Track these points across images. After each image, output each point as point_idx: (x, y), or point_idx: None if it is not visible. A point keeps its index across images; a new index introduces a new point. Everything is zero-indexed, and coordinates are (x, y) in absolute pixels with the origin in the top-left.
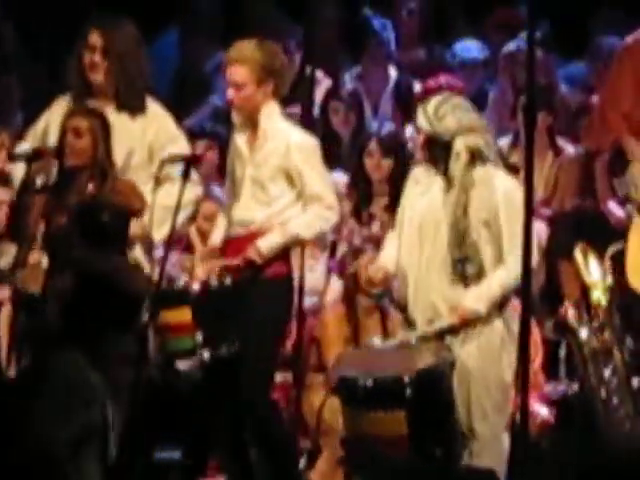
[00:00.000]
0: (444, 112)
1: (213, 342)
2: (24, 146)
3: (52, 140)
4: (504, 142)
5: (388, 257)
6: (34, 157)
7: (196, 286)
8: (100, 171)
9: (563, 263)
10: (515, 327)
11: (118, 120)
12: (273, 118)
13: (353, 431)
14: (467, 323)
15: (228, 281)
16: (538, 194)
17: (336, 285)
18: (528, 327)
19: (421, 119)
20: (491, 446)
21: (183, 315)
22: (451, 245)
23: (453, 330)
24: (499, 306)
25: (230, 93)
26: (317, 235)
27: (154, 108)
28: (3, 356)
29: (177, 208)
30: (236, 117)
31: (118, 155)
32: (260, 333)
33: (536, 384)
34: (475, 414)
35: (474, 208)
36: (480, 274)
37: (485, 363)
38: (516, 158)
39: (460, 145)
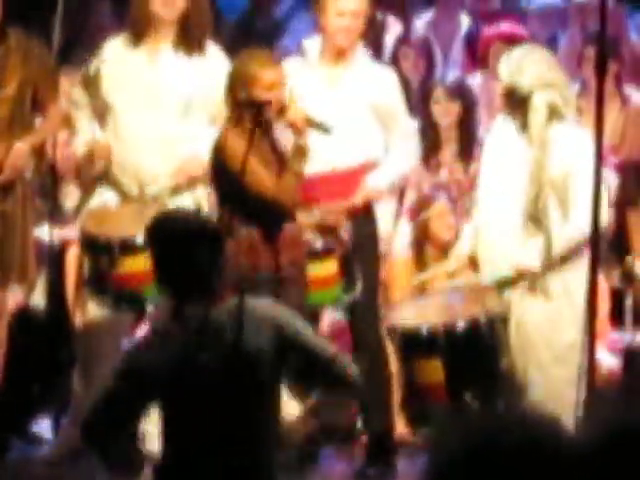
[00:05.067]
0: (526, 65)
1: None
2: (83, 101)
3: (107, 87)
4: (572, 90)
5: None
6: None
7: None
8: None
9: (631, 213)
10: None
11: (177, 59)
12: (362, 52)
13: (403, 377)
14: (523, 277)
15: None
16: (605, 142)
17: (404, 231)
18: (596, 276)
19: (503, 69)
20: (550, 399)
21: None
22: (527, 201)
23: (509, 284)
24: (563, 260)
25: (345, 22)
26: (412, 168)
27: (212, 49)
28: (70, 298)
29: (247, 151)
30: (317, 47)
31: (179, 94)
32: (372, 269)
33: (602, 333)
34: (532, 369)
35: (549, 166)
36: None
37: (541, 317)
38: (583, 106)
39: (539, 101)
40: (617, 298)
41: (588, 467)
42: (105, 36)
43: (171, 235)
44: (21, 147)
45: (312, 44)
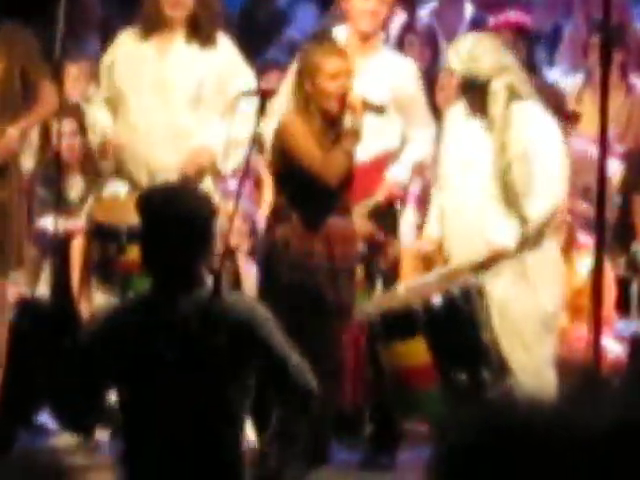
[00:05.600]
0: (479, 53)
1: None
2: (98, 93)
3: (119, 79)
4: (577, 79)
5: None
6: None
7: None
8: None
9: (637, 200)
10: (555, 255)
11: (187, 51)
12: (385, 46)
13: (387, 366)
14: (497, 258)
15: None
16: (610, 131)
17: (410, 219)
18: (602, 264)
19: (455, 61)
20: (534, 378)
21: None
22: (493, 182)
23: (484, 266)
24: (533, 239)
25: (365, 23)
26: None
27: (223, 40)
28: (75, 288)
29: (252, 141)
30: (348, 34)
31: (189, 86)
32: None
33: (608, 321)
34: (515, 345)
35: (513, 146)
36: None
37: (521, 294)
38: (589, 95)
39: (497, 85)
40: (623, 286)
41: (593, 454)
42: (99, 28)
43: (159, 212)
44: (12, 132)
45: (340, 32)
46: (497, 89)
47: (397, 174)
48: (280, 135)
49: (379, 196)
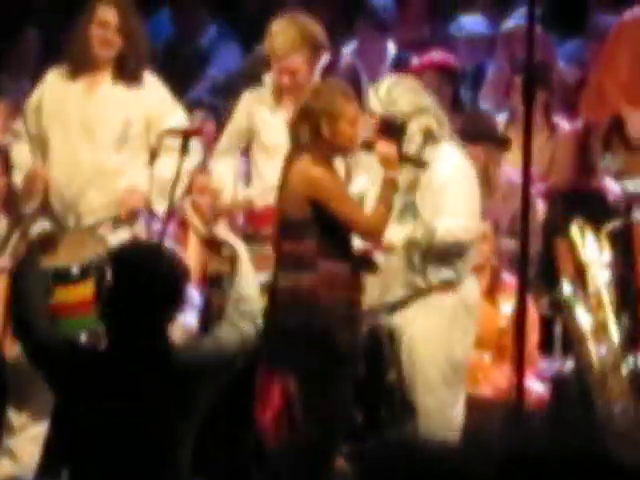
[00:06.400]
0: (397, 94)
1: None
2: (17, 124)
3: (46, 118)
4: (501, 119)
5: None
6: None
7: None
8: None
9: (559, 240)
10: (472, 301)
11: (114, 91)
12: None
13: None
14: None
15: None
16: (533, 170)
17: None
18: (524, 304)
19: (374, 102)
20: (436, 420)
21: None
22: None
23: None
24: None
25: (286, 79)
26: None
27: (150, 79)
28: (0, 329)
29: (176, 181)
30: (274, 92)
31: (115, 126)
32: None
33: (532, 360)
34: (419, 386)
35: (423, 185)
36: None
37: (431, 335)
38: (512, 134)
39: (414, 127)
40: (546, 326)
41: None
42: (34, 65)
43: (135, 269)
44: None
45: (269, 79)
46: (414, 130)
47: None
48: (309, 186)
49: None
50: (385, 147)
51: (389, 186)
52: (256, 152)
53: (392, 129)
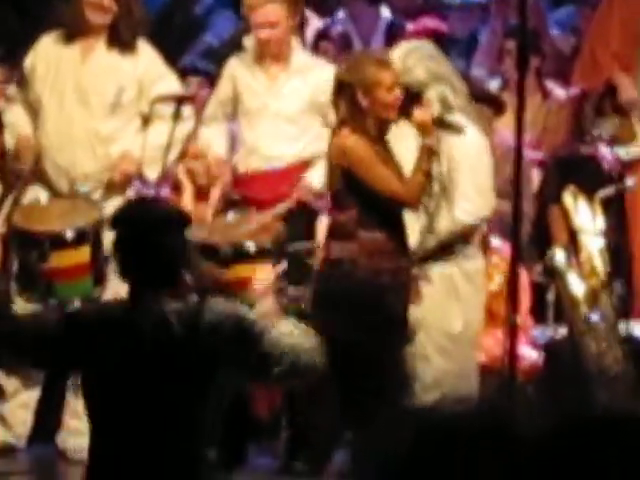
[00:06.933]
0: (413, 62)
1: None
2: (11, 89)
3: (40, 82)
4: (493, 84)
5: None
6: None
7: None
8: None
9: (553, 207)
10: (474, 269)
11: (108, 57)
12: (300, 51)
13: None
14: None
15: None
16: (526, 137)
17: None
18: (517, 270)
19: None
20: (431, 390)
21: None
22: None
23: None
24: (443, 247)
25: (265, 33)
26: None
27: (143, 46)
28: None
29: (168, 147)
30: (255, 53)
31: (109, 92)
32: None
33: (524, 328)
34: (417, 355)
35: (439, 156)
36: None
37: (425, 305)
38: (506, 100)
39: (431, 95)
40: (539, 293)
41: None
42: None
43: (141, 221)
44: None
45: (249, 43)
46: (430, 99)
47: (310, 179)
48: (343, 156)
49: (290, 201)
50: (421, 114)
51: (426, 153)
52: (239, 117)
53: (407, 97)
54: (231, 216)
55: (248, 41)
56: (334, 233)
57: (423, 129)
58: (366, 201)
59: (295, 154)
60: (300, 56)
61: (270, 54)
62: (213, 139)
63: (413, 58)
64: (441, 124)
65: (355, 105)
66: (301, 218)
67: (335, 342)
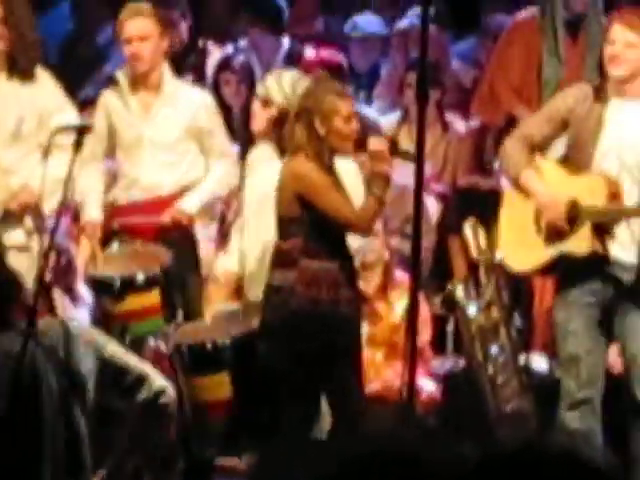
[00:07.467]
0: (299, 86)
1: None
2: None
3: None
4: (394, 117)
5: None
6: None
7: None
8: None
9: (453, 239)
10: None
11: (8, 87)
12: (171, 77)
13: (189, 399)
14: None
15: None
16: (427, 170)
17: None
18: (417, 302)
19: (275, 93)
20: None
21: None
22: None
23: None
24: None
25: (134, 47)
26: (229, 190)
27: (44, 75)
28: None
29: (68, 178)
30: (126, 76)
31: (9, 122)
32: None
33: (423, 359)
34: None
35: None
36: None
37: None
38: (405, 134)
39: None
40: (439, 324)
41: None
42: None
43: None
44: None
45: (121, 75)
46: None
47: (184, 203)
48: (298, 182)
49: (163, 218)
50: (377, 143)
51: (379, 180)
52: (117, 150)
53: (288, 122)
54: (115, 247)
55: (120, 74)
56: (276, 261)
57: (379, 157)
58: (314, 229)
59: (175, 181)
60: (171, 83)
61: (142, 78)
62: (86, 184)
63: (301, 84)
64: (395, 152)
65: (312, 132)
66: (185, 243)
67: (267, 370)
